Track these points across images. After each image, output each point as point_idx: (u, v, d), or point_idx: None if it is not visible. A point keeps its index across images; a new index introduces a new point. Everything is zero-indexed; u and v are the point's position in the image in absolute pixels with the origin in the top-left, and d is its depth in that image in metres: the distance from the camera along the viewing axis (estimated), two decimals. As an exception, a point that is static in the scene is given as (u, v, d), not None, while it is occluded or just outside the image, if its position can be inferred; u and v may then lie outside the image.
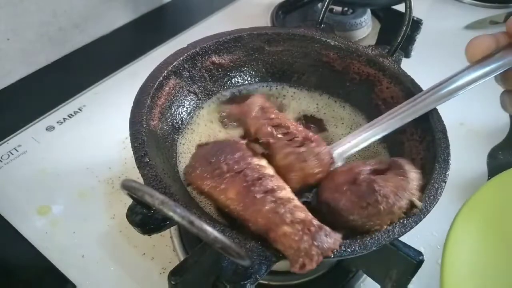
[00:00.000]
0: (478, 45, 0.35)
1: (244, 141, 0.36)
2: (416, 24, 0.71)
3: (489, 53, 0.34)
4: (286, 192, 0.31)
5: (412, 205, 0.31)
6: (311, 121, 0.46)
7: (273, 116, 0.38)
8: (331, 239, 0.28)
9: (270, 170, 0.33)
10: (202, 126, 0.45)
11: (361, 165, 0.34)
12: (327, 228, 0.28)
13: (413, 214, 0.31)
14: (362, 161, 0.35)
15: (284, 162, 0.35)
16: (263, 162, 0.34)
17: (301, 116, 0.46)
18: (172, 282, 0.31)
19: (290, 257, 0.28)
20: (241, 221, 0.31)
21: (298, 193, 0.34)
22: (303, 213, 0.29)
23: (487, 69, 0.34)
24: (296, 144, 0.35)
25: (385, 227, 0.31)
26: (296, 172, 0.34)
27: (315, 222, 0.29)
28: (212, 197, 0.32)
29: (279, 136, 0.36)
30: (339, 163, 0.37)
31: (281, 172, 0.34)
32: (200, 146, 0.35)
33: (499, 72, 0.35)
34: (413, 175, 0.32)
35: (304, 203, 0.32)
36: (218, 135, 0.44)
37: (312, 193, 0.36)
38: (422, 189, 0.33)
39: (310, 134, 0.37)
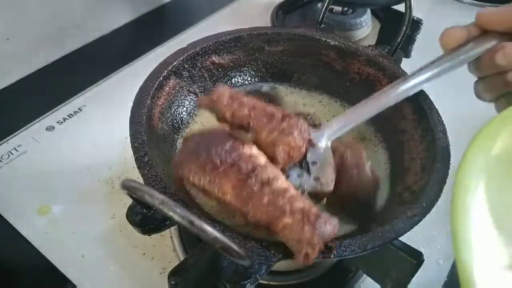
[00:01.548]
0: (452, 35, 0.37)
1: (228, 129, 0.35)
2: (416, 24, 0.71)
3: (461, 43, 0.37)
4: (282, 181, 0.31)
5: None
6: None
7: (245, 100, 0.37)
8: (330, 226, 0.28)
9: (262, 159, 0.32)
10: (200, 125, 0.45)
11: None
12: (325, 215, 0.29)
13: (413, 215, 0.31)
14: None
15: (270, 139, 0.34)
16: (254, 150, 0.33)
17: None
18: (172, 282, 0.31)
19: (293, 248, 0.28)
20: (238, 213, 0.30)
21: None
22: (301, 203, 0.29)
23: (461, 57, 0.37)
24: (276, 121, 0.35)
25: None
26: (283, 146, 0.34)
27: (313, 210, 0.29)
28: (205, 191, 0.32)
29: (258, 116, 0.35)
30: (323, 143, 0.38)
31: (267, 151, 0.33)
32: (186, 140, 0.34)
33: (470, 60, 0.37)
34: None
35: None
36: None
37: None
38: (420, 189, 0.33)
39: (287, 111, 0.36)
